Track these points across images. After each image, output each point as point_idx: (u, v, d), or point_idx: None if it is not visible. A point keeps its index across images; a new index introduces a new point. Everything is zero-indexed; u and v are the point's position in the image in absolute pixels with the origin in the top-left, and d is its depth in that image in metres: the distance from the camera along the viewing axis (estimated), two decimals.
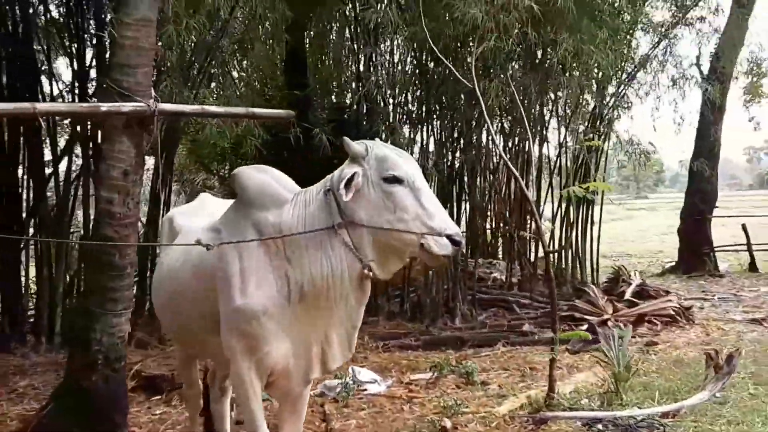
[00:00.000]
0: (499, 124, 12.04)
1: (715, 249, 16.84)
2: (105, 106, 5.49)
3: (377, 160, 3.38)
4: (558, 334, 6.30)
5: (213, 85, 9.86)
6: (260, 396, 3.66)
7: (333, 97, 13.63)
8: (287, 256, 3.49)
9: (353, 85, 12.58)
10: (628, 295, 11.14)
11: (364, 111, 11.69)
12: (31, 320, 9.50)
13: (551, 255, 6.58)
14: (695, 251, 16.42)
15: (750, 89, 18.54)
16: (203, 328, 3.89)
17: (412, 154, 11.78)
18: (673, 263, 17.46)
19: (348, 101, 13.06)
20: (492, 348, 8.74)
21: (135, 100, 5.50)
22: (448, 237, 3.24)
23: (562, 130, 12.66)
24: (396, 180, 3.31)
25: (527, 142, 11.98)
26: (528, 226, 12.73)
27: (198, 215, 4.48)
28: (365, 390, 7.02)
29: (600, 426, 5.57)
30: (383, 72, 11.08)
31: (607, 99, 12.49)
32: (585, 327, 8.95)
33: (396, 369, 7.76)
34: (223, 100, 9.41)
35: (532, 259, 12.87)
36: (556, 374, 6.30)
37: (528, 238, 12.30)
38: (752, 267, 16.62)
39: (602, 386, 6.35)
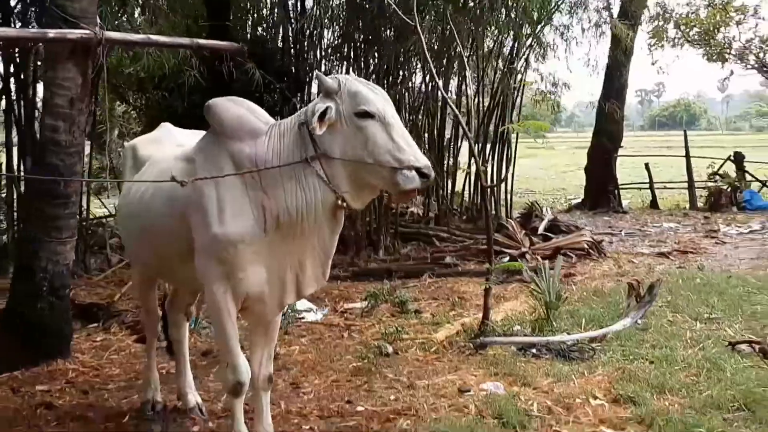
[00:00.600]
0: (421, 63, 12.19)
1: (620, 187, 17.55)
2: (52, 32, 5.44)
3: (350, 95, 3.47)
4: (493, 265, 6.58)
5: (137, 13, 9.61)
6: (235, 320, 3.78)
7: (249, 29, 13.37)
8: (263, 186, 3.58)
9: (275, 18, 12.46)
10: (541, 230, 11.57)
11: (281, 44, 11.64)
12: None
13: (488, 190, 6.77)
14: (601, 189, 17.08)
15: (655, 33, 19.19)
16: (176, 256, 3.97)
17: None
18: (578, 200, 18.14)
19: (268, 35, 12.90)
20: (419, 279, 9.06)
21: (80, 27, 5.44)
22: (417, 170, 3.37)
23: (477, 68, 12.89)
24: (367, 115, 3.42)
25: (441, 80, 12.19)
26: (444, 163, 12.98)
27: (164, 144, 4.52)
28: (303, 318, 7.23)
29: (534, 350, 5.93)
30: (310, 6, 11.06)
31: (524, 40, 12.77)
32: (507, 259, 9.31)
33: (329, 299, 7.97)
34: (148, 30, 9.21)
35: (448, 195, 13.21)
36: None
37: (457, 173, 12.56)
38: (653, 204, 17.43)
39: (533, 314, 6.70)
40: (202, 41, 6.15)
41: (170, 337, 4.96)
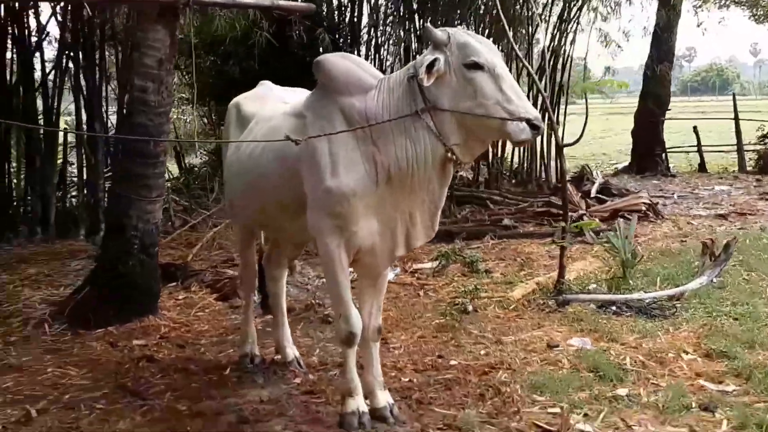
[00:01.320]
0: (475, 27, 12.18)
1: (667, 150, 17.40)
2: None
3: (459, 47, 3.49)
4: (568, 224, 6.61)
5: None
6: (347, 272, 3.85)
7: None
8: (374, 140, 3.62)
9: None
10: (593, 193, 11.56)
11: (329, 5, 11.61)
12: (22, 211, 9.46)
13: (562, 150, 6.77)
14: (648, 152, 16.93)
15: None
16: (286, 212, 4.06)
17: (388, 53, 12.01)
18: (624, 164, 18.03)
19: None
20: (481, 241, 9.10)
21: None
22: (528, 122, 3.38)
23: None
24: (477, 66, 3.43)
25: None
26: None
27: (267, 101, 4.58)
28: None
29: (614, 308, 5.96)
30: None
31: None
32: None
33: (398, 258, 7.98)
34: None
35: (498, 158, 13.22)
36: (556, 263, 6.67)
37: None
38: (701, 167, 17.23)
39: (608, 272, 6.72)
40: (281, 2, 6.16)
41: (268, 291, 5.04)
